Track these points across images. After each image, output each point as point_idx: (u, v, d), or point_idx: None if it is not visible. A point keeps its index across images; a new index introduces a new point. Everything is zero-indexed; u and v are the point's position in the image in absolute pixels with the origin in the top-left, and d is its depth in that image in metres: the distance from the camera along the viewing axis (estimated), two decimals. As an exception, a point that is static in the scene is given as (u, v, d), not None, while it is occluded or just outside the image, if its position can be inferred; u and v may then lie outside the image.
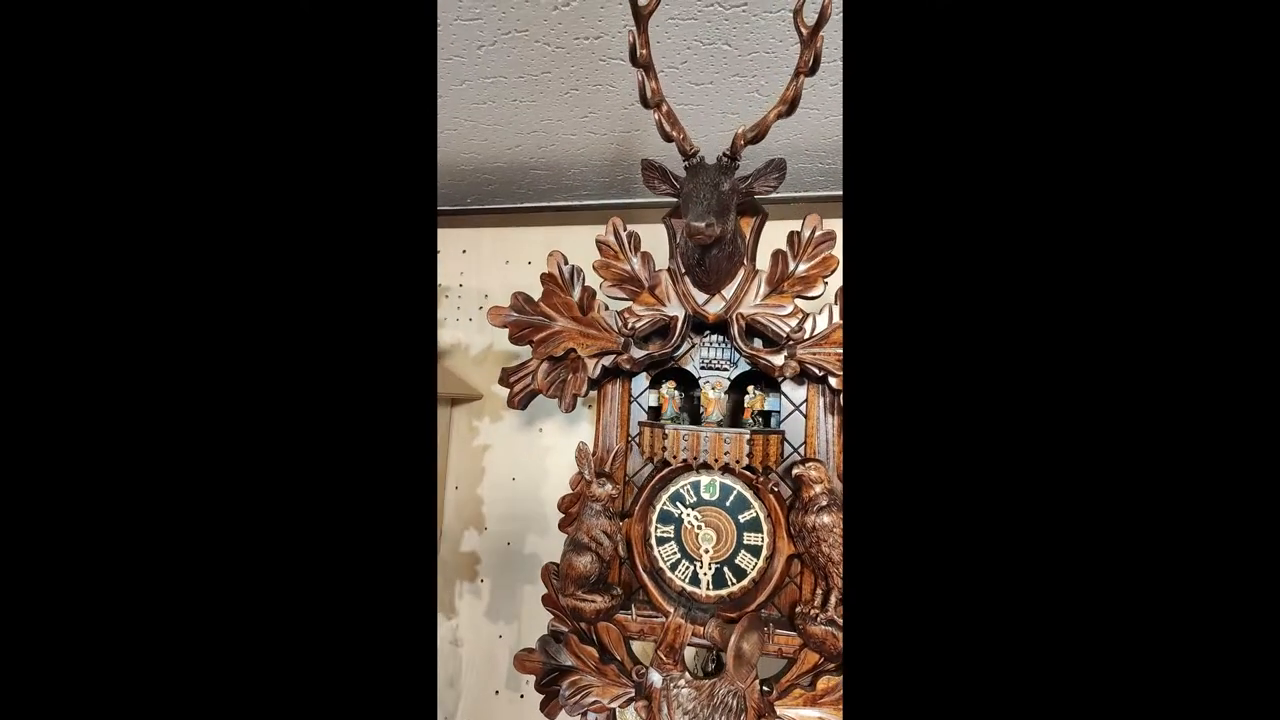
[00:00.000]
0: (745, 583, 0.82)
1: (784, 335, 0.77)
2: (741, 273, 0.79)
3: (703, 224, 0.64)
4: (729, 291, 0.79)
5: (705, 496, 0.83)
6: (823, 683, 0.78)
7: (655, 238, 0.85)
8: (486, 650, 1.20)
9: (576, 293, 0.83)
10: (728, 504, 0.82)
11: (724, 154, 0.69)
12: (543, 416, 1.21)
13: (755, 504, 0.81)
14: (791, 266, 0.78)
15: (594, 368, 0.82)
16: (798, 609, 0.80)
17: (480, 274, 1.27)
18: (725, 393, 0.84)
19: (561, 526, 0.90)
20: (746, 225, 0.80)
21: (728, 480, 0.81)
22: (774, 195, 0.72)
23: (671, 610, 0.83)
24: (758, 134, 0.67)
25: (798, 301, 0.78)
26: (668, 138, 0.69)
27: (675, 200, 0.75)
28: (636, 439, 0.86)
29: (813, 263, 0.77)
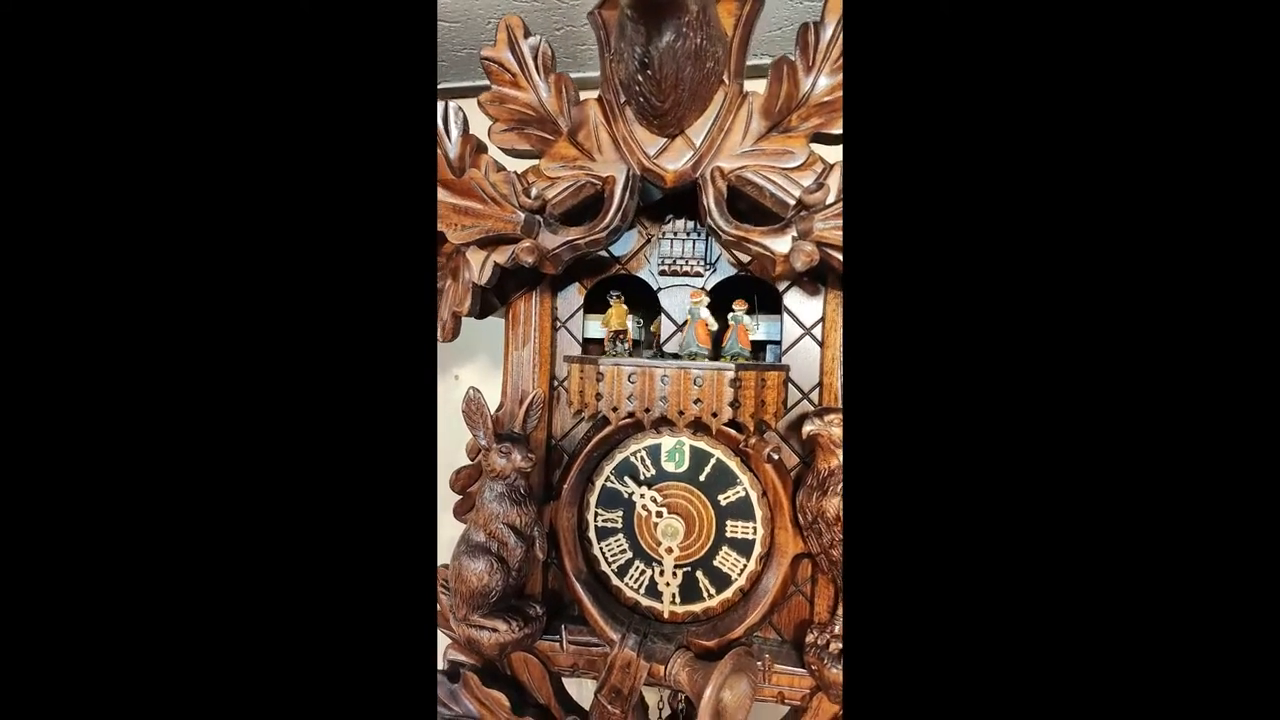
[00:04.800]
0: (728, 594, 0.55)
1: (793, 202, 0.45)
2: (720, 96, 0.47)
3: None
4: (700, 132, 0.47)
5: (668, 468, 0.55)
6: (847, 750, 0.51)
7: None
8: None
9: (453, 145, 0.51)
10: (702, 478, 0.54)
11: None
12: (460, 359, 0.91)
13: (743, 478, 0.53)
14: (805, 84, 0.46)
15: (481, 266, 0.50)
16: (809, 636, 0.53)
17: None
18: (705, 310, 0.53)
19: (457, 514, 0.61)
20: (727, 13, 0.47)
21: (701, 444, 0.52)
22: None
23: (618, 637, 0.55)
24: None
25: (815, 147, 0.47)
26: None
27: None
28: (564, 382, 0.56)
29: (841, 76, 0.45)
